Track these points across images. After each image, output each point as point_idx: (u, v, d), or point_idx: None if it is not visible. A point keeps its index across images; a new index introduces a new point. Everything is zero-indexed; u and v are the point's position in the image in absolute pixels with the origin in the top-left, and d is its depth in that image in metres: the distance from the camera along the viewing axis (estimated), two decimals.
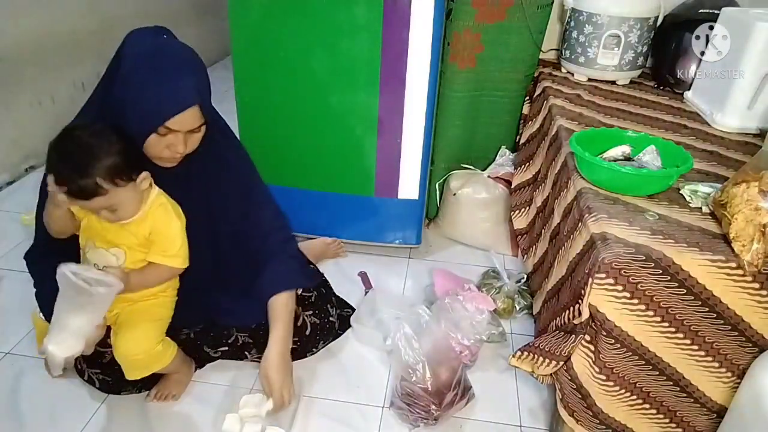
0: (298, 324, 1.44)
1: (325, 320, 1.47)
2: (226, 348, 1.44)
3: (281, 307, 1.31)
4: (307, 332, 1.44)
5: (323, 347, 1.52)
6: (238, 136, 1.75)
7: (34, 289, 1.30)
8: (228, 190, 1.27)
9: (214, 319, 1.40)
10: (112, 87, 1.08)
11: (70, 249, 1.23)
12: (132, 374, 1.26)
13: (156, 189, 1.17)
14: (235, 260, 1.35)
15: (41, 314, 1.30)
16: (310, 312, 1.46)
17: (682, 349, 1.08)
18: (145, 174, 1.11)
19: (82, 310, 1.08)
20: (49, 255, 1.23)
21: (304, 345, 1.46)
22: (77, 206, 1.13)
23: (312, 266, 1.62)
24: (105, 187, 1.05)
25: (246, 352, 1.46)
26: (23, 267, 1.85)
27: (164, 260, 1.20)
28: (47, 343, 1.07)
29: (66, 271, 1.03)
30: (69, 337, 1.08)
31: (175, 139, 1.08)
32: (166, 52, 1.06)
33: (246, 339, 1.44)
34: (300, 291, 1.41)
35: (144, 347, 1.23)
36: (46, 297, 1.22)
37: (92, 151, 1.03)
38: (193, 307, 1.34)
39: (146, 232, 1.17)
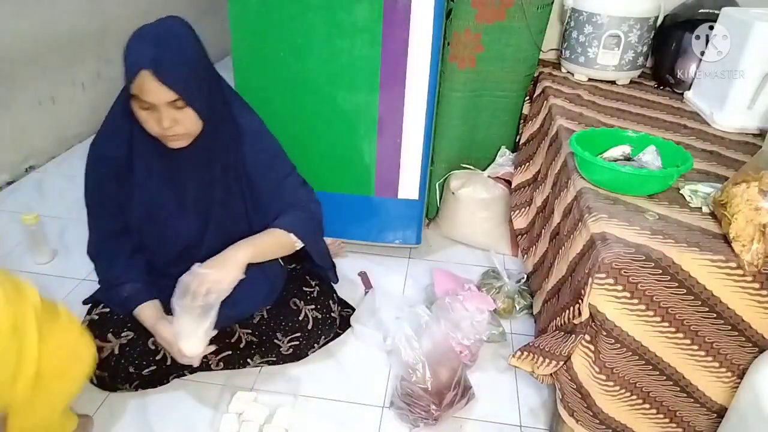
0: (300, 318, 1.44)
1: (326, 315, 1.48)
2: (229, 352, 1.44)
3: (268, 231, 1.27)
4: (309, 326, 1.44)
5: (324, 344, 1.52)
6: None
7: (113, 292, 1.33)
8: (250, 174, 1.29)
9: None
10: None
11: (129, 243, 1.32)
12: None
13: None
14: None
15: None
16: (312, 306, 1.46)
17: (682, 349, 1.08)
18: None
19: (204, 316, 1.19)
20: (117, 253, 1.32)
21: (306, 340, 1.46)
22: None
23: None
24: None
25: (248, 359, 1.46)
26: (23, 267, 1.87)
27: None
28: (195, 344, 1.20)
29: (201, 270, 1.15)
30: (200, 337, 1.21)
31: (159, 114, 1.09)
32: (148, 27, 1.09)
33: (250, 338, 1.44)
34: (299, 245, 1.30)
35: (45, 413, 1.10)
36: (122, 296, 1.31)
37: None
38: None
39: None
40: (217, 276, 1.16)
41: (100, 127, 1.23)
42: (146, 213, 1.26)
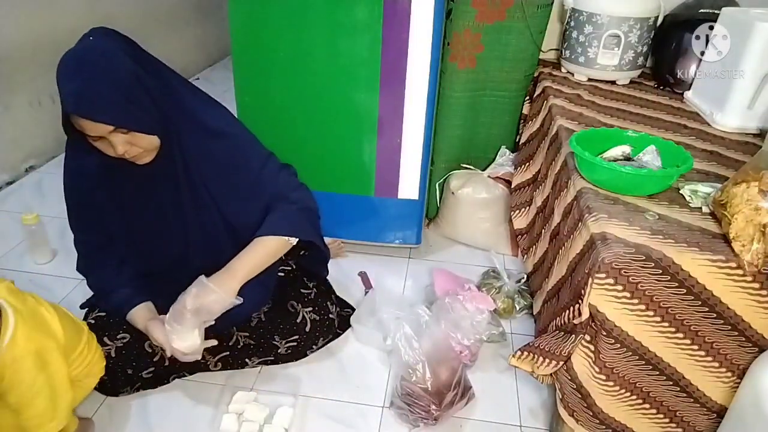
0: (298, 320, 1.44)
1: (324, 317, 1.47)
2: (227, 353, 1.44)
3: (255, 241, 1.23)
4: (307, 329, 1.44)
5: (323, 345, 1.52)
6: None
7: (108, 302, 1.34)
8: (225, 172, 1.24)
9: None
10: None
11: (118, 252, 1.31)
12: None
13: (9, 340, 1.01)
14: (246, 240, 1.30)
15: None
16: (310, 308, 1.46)
17: (682, 349, 1.08)
18: None
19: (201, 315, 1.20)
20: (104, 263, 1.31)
21: (304, 342, 1.46)
22: None
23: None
24: None
25: (246, 359, 1.45)
26: (23, 267, 1.87)
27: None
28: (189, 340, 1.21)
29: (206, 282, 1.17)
30: (195, 332, 1.22)
31: (106, 142, 1.07)
32: (68, 59, 1.06)
33: (247, 341, 1.44)
34: (294, 241, 1.28)
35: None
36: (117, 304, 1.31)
37: None
38: None
39: None
40: (213, 298, 1.16)
41: (66, 143, 1.20)
42: (127, 228, 1.26)
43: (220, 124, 1.24)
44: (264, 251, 1.24)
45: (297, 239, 1.27)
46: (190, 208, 1.24)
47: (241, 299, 1.20)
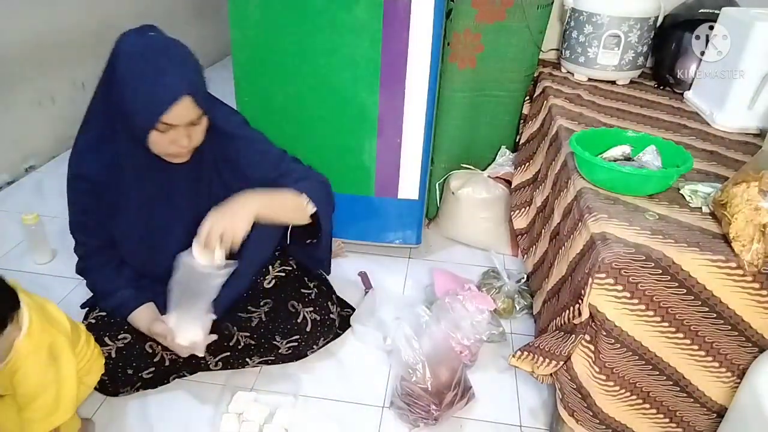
0: (299, 320, 1.44)
1: (325, 317, 1.47)
2: (228, 353, 1.44)
3: (277, 189, 1.21)
4: (308, 329, 1.44)
5: (324, 345, 1.52)
6: None
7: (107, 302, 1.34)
8: (246, 172, 1.25)
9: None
10: (110, 90, 1.09)
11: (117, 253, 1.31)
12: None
13: (26, 333, 1.02)
14: None
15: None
16: (311, 309, 1.46)
17: (682, 349, 1.08)
18: (9, 328, 0.99)
19: (200, 298, 1.15)
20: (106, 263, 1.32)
21: (305, 342, 1.46)
22: None
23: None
24: None
25: (247, 359, 1.46)
26: (23, 267, 1.87)
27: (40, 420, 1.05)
28: (187, 334, 1.20)
29: (188, 259, 1.07)
30: (197, 325, 1.21)
31: (177, 134, 1.08)
32: (153, 48, 1.05)
33: (248, 341, 1.44)
34: (310, 208, 1.25)
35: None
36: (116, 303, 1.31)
37: None
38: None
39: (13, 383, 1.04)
40: (227, 223, 1.08)
41: (73, 145, 1.21)
42: (136, 231, 1.26)
43: (232, 125, 1.26)
44: (285, 197, 1.20)
45: (314, 208, 1.25)
46: (204, 210, 1.24)
47: (236, 262, 1.13)
